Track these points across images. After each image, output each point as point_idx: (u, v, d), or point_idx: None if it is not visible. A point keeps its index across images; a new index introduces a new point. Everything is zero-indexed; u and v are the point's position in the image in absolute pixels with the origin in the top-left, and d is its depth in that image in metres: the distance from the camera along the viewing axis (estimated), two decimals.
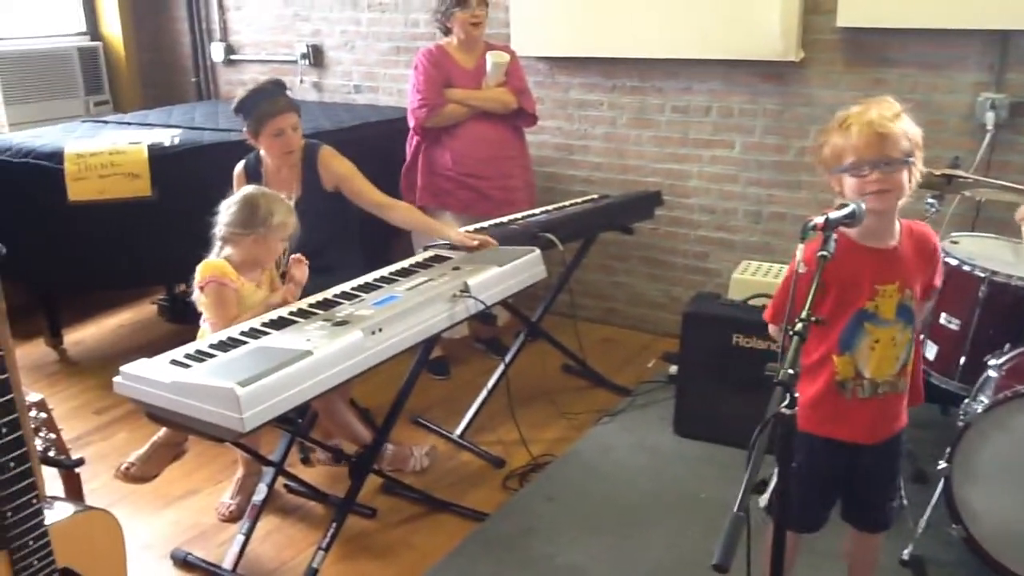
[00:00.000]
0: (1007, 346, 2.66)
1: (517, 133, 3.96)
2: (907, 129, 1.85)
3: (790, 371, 1.41)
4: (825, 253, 1.59)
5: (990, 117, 3.39)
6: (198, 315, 2.72)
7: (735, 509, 1.27)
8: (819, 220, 1.64)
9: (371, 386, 3.15)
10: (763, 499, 1.60)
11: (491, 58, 3.75)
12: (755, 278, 3.65)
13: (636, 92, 4.21)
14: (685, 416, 3.40)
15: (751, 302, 3.35)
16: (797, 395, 1.41)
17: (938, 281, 2.07)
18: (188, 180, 3.64)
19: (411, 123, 3.83)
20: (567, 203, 3.82)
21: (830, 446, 2.00)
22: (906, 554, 2.59)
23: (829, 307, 1.91)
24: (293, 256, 2.72)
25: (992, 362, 2.61)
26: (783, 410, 1.39)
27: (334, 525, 2.68)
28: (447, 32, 3.80)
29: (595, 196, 3.97)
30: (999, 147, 3.45)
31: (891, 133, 1.82)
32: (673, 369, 3.72)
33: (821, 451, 2.01)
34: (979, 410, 2.44)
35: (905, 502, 2.56)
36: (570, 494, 3.04)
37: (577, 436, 3.44)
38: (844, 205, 1.71)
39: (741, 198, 4.10)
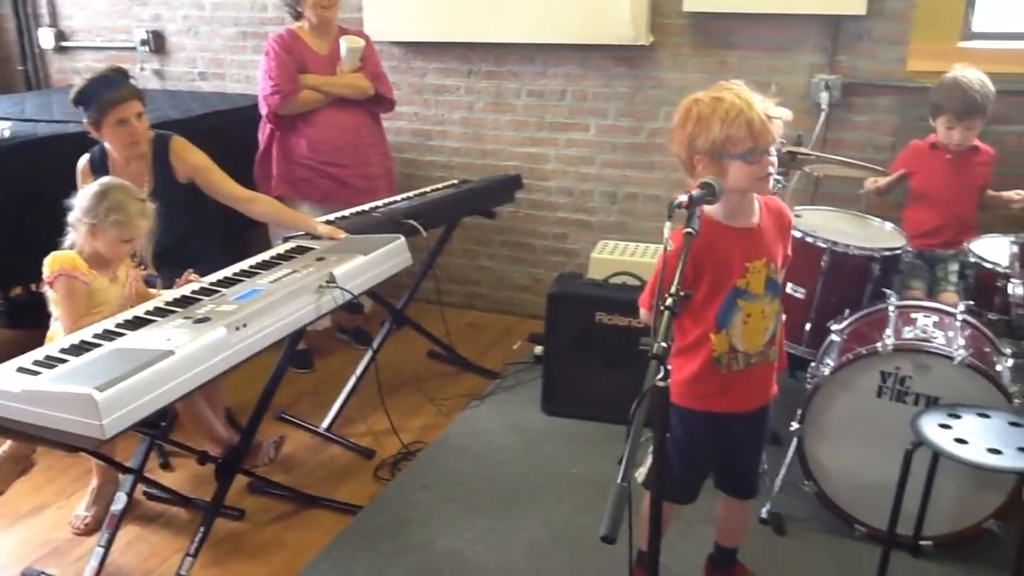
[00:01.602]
0: (847, 311, 2.85)
1: (374, 119, 3.91)
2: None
3: (663, 344, 1.46)
4: (691, 229, 1.64)
5: (824, 97, 3.60)
6: (44, 317, 2.56)
7: (619, 480, 1.30)
8: (683, 198, 1.70)
9: (231, 383, 3.05)
10: (640, 473, 1.66)
11: (345, 43, 3.67)
12: (613, 257, 3.77)
13: (492, 77, 4.24)
14: (553, 395, 3.46)
15: (612, 280, 3.45)
16: (670, 367, 1.46)
17: (789, 251, 2.18)
18: (22, 176, 3.39)
19: (263, 110, 3.71)
20: (429, 189, 3.80)
21: (709, 420, 2.09)
22: (764, 512, 2.73)
23: (705, 289, 1.98)
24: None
25: (835, 327, 2.78)
26: (658, 383, 1.43)
27: (202, 529, 2.59)
28: (298, 16, 3.70)
29: (456, 181, 3.97)
30: (833, 125, 3.68)
31: (776, 120, 1.91)
32: (539, 350, 3.79)
33: (701, 425, 2.09)
34: (826, 372, 2.60)
35: (765, 466, 2.71)
36: (443, 480, 3.04)
37: (447, 422, 3.45)
38: (705, 183, 1.77)
39: (597, 180, 4.20)
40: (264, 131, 3.78)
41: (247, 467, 2.91)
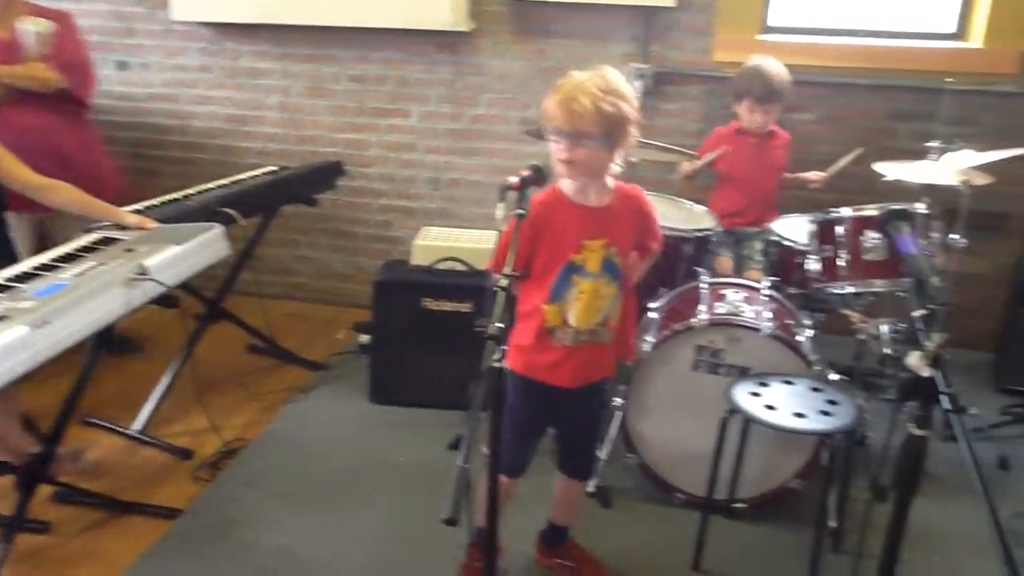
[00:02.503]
0: (662, 291, 2.98)
1: (75, 116, 3.47)
2: (606, 108, 1.85)
3: (498, 325, 1.46)
4: (521, 211, 1.66)
5: (638, 85, 3.73)
6: None
7: (460, 463, 1.30)
8: (514, 180, 1.71)
9: (26, 386, 2.82)
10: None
11: (28, 25, 3.21)
12: (436, 243, 3.77)
13: (310, 60, 4.12)
14: (380, 384, 3.42)
15: (438, 266, 3.46)
16: (506, 347, 1.47)
17: (655, 245, 2.23)
18: None
19: None
20: (245, 176, 3.64)
21: (537, 387, 2.13)
22: (592, 486, 2.81)
23: (543, 259, 2.00)
24: None
25: (652, 306, 2.91)
26: (494, 363, 1.44)
27: (1, 546, 2.40)
28: None
29: (274, 168, 3.83)
30: (646, 113, 3.81)
31: (581, 109, 1.84)
32: (364, 338, 3.73)
33: (529, 392, 2.13)
34: (646, 349, 2.71)
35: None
36: (269, 476, 2.95)
37: (271, 416, 3.34)
38: (533, 166, 1.79)
39: (419, 166, 4.18)
40: None
41: (51, 476, 2.71)
